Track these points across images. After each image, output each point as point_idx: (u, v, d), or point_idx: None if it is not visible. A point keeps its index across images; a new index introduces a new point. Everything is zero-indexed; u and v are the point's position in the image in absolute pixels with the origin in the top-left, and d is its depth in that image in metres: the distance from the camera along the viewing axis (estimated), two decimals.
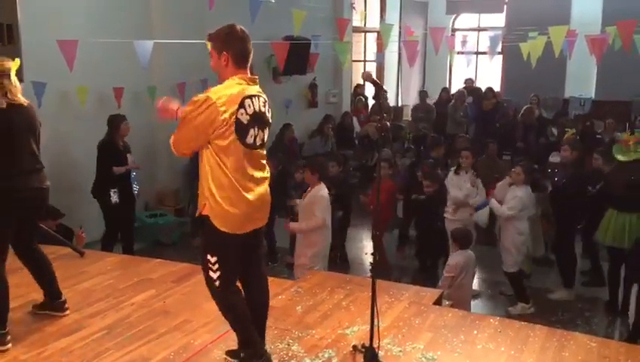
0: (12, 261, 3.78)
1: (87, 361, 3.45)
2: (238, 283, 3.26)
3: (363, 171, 10.66)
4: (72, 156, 7.37)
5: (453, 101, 11.88)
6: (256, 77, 3.16)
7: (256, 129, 3.07)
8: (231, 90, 3.00)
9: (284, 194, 7.35)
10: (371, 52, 13.90)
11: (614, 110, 11.40)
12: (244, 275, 3.30)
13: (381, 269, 6.56)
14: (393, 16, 13.70)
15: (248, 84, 3.08)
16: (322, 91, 12.09)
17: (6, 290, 3.59)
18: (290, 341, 3.69)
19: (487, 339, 3.77)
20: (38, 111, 6.32)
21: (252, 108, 3.04)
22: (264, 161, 3.22)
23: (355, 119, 12.37)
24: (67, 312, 3.99)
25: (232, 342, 3.64)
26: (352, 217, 7.56)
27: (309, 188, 5.60)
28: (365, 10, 13.53)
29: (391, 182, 7.08)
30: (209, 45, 3.14)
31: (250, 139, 3.04)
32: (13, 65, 3.66)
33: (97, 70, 7.19)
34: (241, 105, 2.99)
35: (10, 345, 3.56)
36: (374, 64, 13.84)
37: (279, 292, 4.48)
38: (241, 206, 3.04)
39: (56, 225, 5.85)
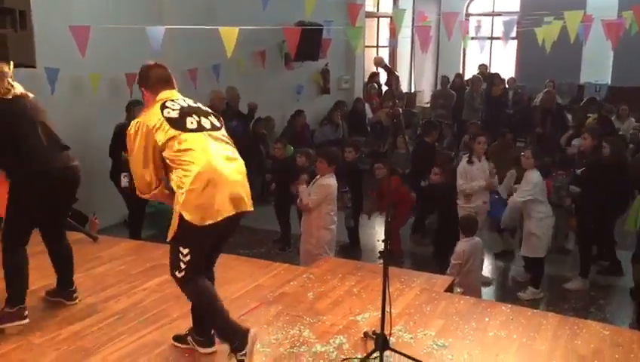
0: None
1: (100, 345, 3.48)
2: None
3: (375, 158, 10.61)
4: (85, 142, 7.38)
5: (469, 87, 11.76)
6: (173, 90, 3.26)
7: (194, 116, 3.13)
8: (149, 112, 3.13)
9: (295, 180, 7.37)
10: (384, 37, 13.80)
11: (631, 96, 11.24)
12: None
13: (393, 256, 6.61)
14: (406, 1, 13.57)
15: (167, 96, 3.19)
16: (334, 77, 12.03)
17: (26, 268, 3.64)
18: (302, 327, 3.70)
19: (499, 327, 3.76)
20: (51, 98, 6.40)
21: (177, 104, 3.14)
22: (228, 143, 3.22)
23: (367, 105, 12.32)
24: (76, 301, 4.01)
25: (248, 324, 3.66)
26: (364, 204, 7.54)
27: (318, 176, 5.61)
28: None
29: (396, 178, 7.03)
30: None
31: (191, 125, 3.09)
32: (8, 68, 3.74)
33: (109, 56, 7.20)
34: (163, 107, 3.10)
35: (27, 319, 3.62)
36: (387, 50, 13.75)
37: (291, 278, 4.49)
38: (209, 195, 2.99)
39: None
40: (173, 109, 3.10)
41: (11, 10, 4.40)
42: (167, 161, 3.06)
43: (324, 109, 11.42)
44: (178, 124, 3.06)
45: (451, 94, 12.18)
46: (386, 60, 11.20)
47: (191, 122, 3.10)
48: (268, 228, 7.80)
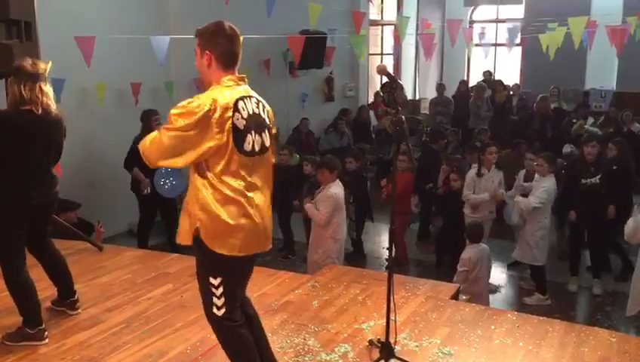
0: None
1: (105, 355, 3.48)
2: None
3: (380, 165, 10.62)
4: (91, 151, 7.45)
5: (473, 96, 11.72)
6: (244, 75, 2.79)
7: (253, 134, 2.70)
8: (222, 94, 2.64)
9: (300, 189, 7.37)
10: (388, 45, 13.82)
11: (636, 101, 11.20)
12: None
13: (398, 263, 6.59)
14: (410, 8, 13.60)
15: (238, 84, 2.73)
16: (339, 85, 12.06)
17: (32, 289, 3.61)
18: (307, 335, 3.70)
19: (505, 334, 3.74)
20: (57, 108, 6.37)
21: (246, 110, 2.67)
22: (268, 166, 2.85)
23: (372, 113, 12.33)
24: (79, 311, 3.99)
25: None
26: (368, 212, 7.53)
27: (322, 187, 5.59)
28: (382, 2, 13.45)
29: (409, 174, 7.01)
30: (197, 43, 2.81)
31: (248, 146, 2.67)
32: (47, 66, 3.60)
33: (115, 66, 7.24)
34: (235, 108, 2.63)
35: (47, 340, 3.61)
36: (391, 57, 13.76)
37: (296, 286, 4.49)
38: (242, 222, 2.66)
39: (76, 218, 5.92)
40: (243, 117, 2.64)
41: (17, 21, 4.44)
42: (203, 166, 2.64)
43: (328, 117, 11.44)
44: (239, 139, 2.63)
45: (449, 101, 12.18)
46: (390, 68, 11.21)
47: (248, 142, 2.67)
48: (273, 237, 7.78)
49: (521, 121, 10.89)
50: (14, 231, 3.57)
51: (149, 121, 6.57)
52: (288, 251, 7.47)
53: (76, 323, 3.87)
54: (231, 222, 2.63)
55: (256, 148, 2.72)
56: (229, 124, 2.60)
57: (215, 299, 2.71)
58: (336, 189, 5.48)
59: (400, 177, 6.71)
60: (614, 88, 12.96)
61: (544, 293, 6.08)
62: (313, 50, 9.22)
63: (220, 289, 2.70)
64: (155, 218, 7.06)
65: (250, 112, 2.70)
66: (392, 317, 3.28)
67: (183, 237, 2.73)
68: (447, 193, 6.80)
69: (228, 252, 2.66)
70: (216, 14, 7.88)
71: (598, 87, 12.87)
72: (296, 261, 7.28)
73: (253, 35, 6.96)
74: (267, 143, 2.79)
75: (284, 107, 10.35)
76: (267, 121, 2.82)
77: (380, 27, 13.68)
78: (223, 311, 2.72)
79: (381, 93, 12.53)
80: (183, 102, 2.61)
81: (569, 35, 7.81)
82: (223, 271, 2.71)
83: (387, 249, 3.46)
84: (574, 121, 10.12)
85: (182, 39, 7.06)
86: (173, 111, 2.60)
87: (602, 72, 13.03)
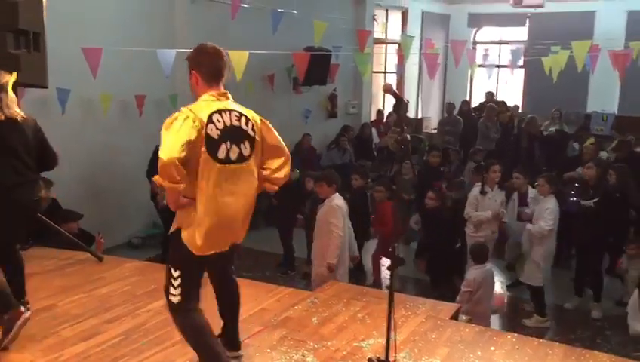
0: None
1: None
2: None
3: (380, 183, 10.62)
4: (94, 161, 7.47)
5: (483, 117, 11.71)
6: (227, 92, 3.09)
7: (229, 143, 2.96)
8: (199, 107, 2.97)
9: (301, 204, 7.38)
10: (392, 63, 13.91)
11: (637, 125, 11.24)
12: (216, 283, 3.35)
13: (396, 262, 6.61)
14: (415, 28, 13.71)
15: (218, 99, 3.03)
16: (342, 102, 12.12)
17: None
18: (306, 352, 3.68)
19: (505, 356, 3.72)
20: (61, 118, 6.40)
21: (222, 122, 2.95)
22: (248, 176, 3.09)
23: (374, 130, 12.37)
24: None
25: (252, 348, 3.66)
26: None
27: (323, 201, 5.57)
28: (386, 22, 13.56)
29: (389, 203, 6.98)
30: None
31: (221, 154, 2.94)
32: (10, 78, 3.73)
33: (120, 78, 7.29)
34: (210, 120, 2.92)
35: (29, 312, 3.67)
36: (395, 76, 13.85)
37: (295, 302, 4.47)
38: (210, 226, 2.95)
39: (77, 228, 5.92)
40: (217, 128, 2.94)
41: (26, 31, 4.46)
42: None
43: (331, 133, 11.48)
44: (212, 147, 2.92)
45: (458, 120, 12.22)
46: (394, 87, 11.24)
47: (222, 150, 2.95)
48: (272, 252, 7.79)
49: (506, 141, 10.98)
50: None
51: None
52: (287, 266, 7.47)
53: (75, 334, 3.85)
54: (197, 221, 2.94)
55: (232, 157, 3.00)
56: (202, 132, 2.89)
57: (172, 289, 3.04)
58: (339, 201, 5.48)
59: (380, 207, 6.87)
60: (616, 112, 13.02)
61: (543, 315, 6.07)
62: (317, 66, 9.28)
63: (178, 281, 3.02)
64: None
65: (228, 124, 2.99)
66: (391, 335, 3.27)
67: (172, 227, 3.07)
68: (434, 211, 6.80)
69: (190, 246, 2.96)
70: (222, 29, 7.97)
71: (599, 111, 12.93)
72: (295, 276, 7.26)
73: (259, 51, 7.02)
74: (246, 153, 3.06)
75: (287, 122, 10.36)
76: (250, 133, 3.09)
77: (383, 46, 13.79)
78: (177, 298, 3.04)
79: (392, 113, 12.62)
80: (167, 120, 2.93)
81: (572, 58, 7.86)
82: (183, 265, 3.02)
83: (388, 268, 3.46)
84: (574, 145, 10.15)
85: (188, 53, 7.12)
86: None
87: (604, 96, 13.10)
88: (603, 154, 9.43)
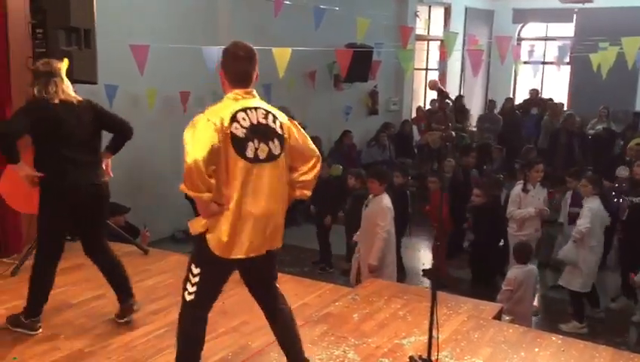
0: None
1: (148, 357, 3.54)
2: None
3: (421, 181, 10.55)
4: (139, 157, 7.61)
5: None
6: (253, 90, 2.99)
7: (256, 142, 2.86)
8: (221, 107, 2.90)
9: (342, 201, 7.38)
10: (433, 60, 13.78)
11: None
12: (263, 306, 3.20)
13: (439, 280, 6.53)
14: (458, 24, 13.54)
15: (243, 98, 2.94)
16: (383, 99, 12.06)
17: (47, 284, 3.75)
18: (347, 348, 3.69)
19: (549, 358, 3.66)
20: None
21: (248, 120, 2.87)
22: (279, 175, 2.97)
23: (415, 127, 12.29)
24: (126, 319, 3.96)
25: None
26: (410, 226, 7.48)
27: (370, 197, 5.55)
28: (429, 18, 13.43)
29: (444, 194, 6.95)
30: None
31: (250, 153, 2.84)
32: (62, 65, 3.78)
33: (165, 74, 7.41)
34: (234, 119, 2.84)
35: (39, 331, 3.76)
36: (437, 72, 13.72)
37: (336, 298, 4.49)
38: (239, 226, 2.85)
39: (124, 221, 6.06)
40: (243, 126, 2.85)
41: (77, 29, 4.60)
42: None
43: (372, 130, 11.45)
44: (239, 146, 2.83)
45: (497, 118, 12.05)
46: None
47: (251, 149, 2.85)
48: (312, 248, 7.82)
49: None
50: (54, 227, 3.74)
51: None
52: (326, 264, 7.47)
53: (121, 324, 3.95)
54: (225, 221, 2.84)
55: (261, 156, 2.89)
56: (227, 132, 2.80)
57: (188, 285, 2.98)
58: (389, 203, 5.43)
59: (434, 196, 6.78)
60: None
61: (581, 321, 5.91)
62: (359, 63, 9.25)
63: (196, 279, 2.94)
64: None
65: (255, 122, 2.89)
66: (434, 334, 3.25)
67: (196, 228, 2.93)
68: (480, 209, 6.71)
69: (215, 247, 2.86)
70: (265, 25, 8.00)
71: None
72: (334, 273, 7.27)
73: (301, 48, 7.05)
74: (276, 152, 2.94)
75: (327, 119, 10.41)
76: (279, 131, 2.98)
77: (425, 42, 13.66)
78: (191, 297, 2.97)
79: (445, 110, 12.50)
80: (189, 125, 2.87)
81: (621, 54, 7.64)
82: (204, 265, 2.94)
83: (425, 264, 3.44)
84: (625, 145, 9.89)
85: None
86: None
87: None
88: None
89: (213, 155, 2.74)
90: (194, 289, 2.96)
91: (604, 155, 9.85)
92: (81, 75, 4.56)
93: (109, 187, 3.92)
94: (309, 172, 3.09)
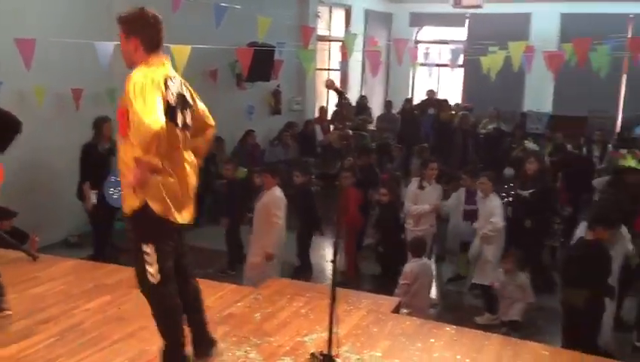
0: None
1: None
2: None
3: (325, 180, 10.68)
4: (28, 157, 7.17)
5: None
6: (167, 56, 3.02)
7: (180, 110, 2.95)
8: (153, 71, 2.85)
9: (248, 200, 7.31)
10: (336, 61, 13.99)
11: (570, 124, 11.72)
12: (181, 279, 3.17)
13: (347, 277, 6.67)
14: (358, 26, 13.82)
15: (164, 64, 2.94)
16: (286, 98, 12.09)
17: None
18: (248, 348, 3.66)
19: (444, 347, 3.81)
20: None
21: (175, 87, 2.93)
22: (189, 147, 3.07)
23: (318, 127, 12.41)
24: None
25: (187, 348, 3.60)
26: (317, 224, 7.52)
27: (264, 191, 5.73)
28: (330, 19, 13.62)
29: (354, 189, 7.09)
30: (119, 29, 2.99)
31: (180, 121, 2.94)
32: None
33: (55, 70, 7.03)
34: (166, 85, 2.85)
35: None
36: (338, 73, 13.93)
37: (238, 299, 4.45)
38: (182, 194, 2.94)
39: (10, 226, 5.69)
40: (172, 93, 2.88)
41: None
42: None
43: (275, 130, 11.44)
44: (172, 114, 2.87)
45: (396, 118, 12.45)
46: (337, 83, 11.28)
47: (180, 117, 2.93)
48: (216, 248, 7.69)
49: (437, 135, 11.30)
50: None
51: (102, 127, 6.53)
52: (234, 264, 7.34)
53: (7, 335, 3.71)
54: (167, 189, 2.87)
55: (184, 124, 2.98)
56: (165, 99, 2.80)
57: (149, 268, 2.90)
58: (281, 193, 5.69)
59: (346, 192, 6.82)
60: (550, 111, 13.53)
61: (494, 313, 6.17)
62: (261, 62, 9.22)
63: (154, 257, 2.89)
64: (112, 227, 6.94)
65: (179, 90, 2.95)
66: (334, 329, 3.29)
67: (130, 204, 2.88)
68: (383, 207, 6.89)
69: (165, 213, 2.87)
70: (163, 21, 7.75)
71: (535, 110, 13.40)
72: (239, 274, 7.18)
73: (201, 45, 6.91)
74: (189, 121, 3.02)
75: (230, 119, 10.26)
76: (190, 101, 3.06)
77: (327, 43, 13.84)
78: (157, 278, 2.91)
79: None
80: (133, 84, 2.74)
81: (508, 58, 8.10)
82: (156, 238, 2.90)
83: (332, 262, 3.49)
84: (513, 145, 10.52)
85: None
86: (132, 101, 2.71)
87: (539, 95, 13.60)
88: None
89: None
90: (156, 267, 2.90)
91: (494, 153, 10.42)
92: None
93: None
94: (205, 141, 3.23)
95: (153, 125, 2.62)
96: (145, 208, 2.84)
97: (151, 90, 2.72)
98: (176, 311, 3.04)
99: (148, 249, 2.89)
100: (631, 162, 6.76)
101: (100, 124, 6.56)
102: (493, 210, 6.10)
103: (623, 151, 7.64)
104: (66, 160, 7.09)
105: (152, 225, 2.88)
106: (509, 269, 5.38)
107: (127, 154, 2.83)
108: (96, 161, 6.53)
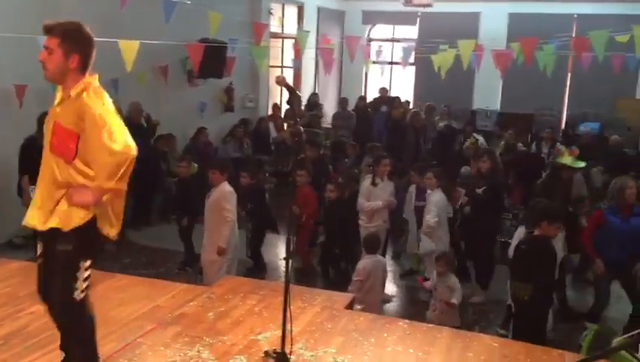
0: None
1: None
2: None
3: (279, 177, 10.66)
4: None
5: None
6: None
7: None
8: (102, 93, 2.85)
9: (203, 197, 7.22)
10: (289, 58, 13.96)
11: (517, 122, 12.02)
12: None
13: (305, 273, 6.68)
14: (311, 23, 13.83)
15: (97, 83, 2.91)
16: (239, 96, 11.99)
17: None
18: (201, 348, 3.62)
19: (396, 342, 3.86)
20: None
21: None
22: None
23: (271, 124, 12.36)
24: None
25: (144, 347, 3.54)
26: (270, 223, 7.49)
27: (214, 188, 5.75)
28: (283, 16, 13.58)
29: (309, 187, 7.09)
30: (53, 40, 2.80)
31: None
32: None
33: None
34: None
35: None
36: (292, 70, 13.91)
37: (191, 298, 4.39)
38: (121, 209, 2.96)
39: None
40: None
41: None
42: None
43: (227, 128, 11.32)
44: None
45: (351, 115, 12.52)
46: (291, 81, 11.33)
47: None
48: (168, 248, 7.58)
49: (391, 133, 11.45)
50: None
51: (40, 123, 6.28)
52: (187, 263, 7.23)
53: None
54: (113, 207, 2.90)
55: None
56: None
57: (79, 284, 2.81)
58: (230, 188, 5.76)
59: (301, 190, 6.84)
60: (499, 109, 13.85)
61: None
62: (213, 59, 9.11)
63: (87, 273, 2.83)
64: None
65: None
66: (287, 327, 3.29)
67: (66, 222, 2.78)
68: (334, 203, 6.93)
69: (110, 233, 2.91)
70: (111, 16, 7.61)
71: (484, 107, 13.69)
72: (193, 273, 7.09)
73: (150, 41, 6.79)
74: None
75: (181, 116, 10.14)
76: None
77: (280, 40, 13.79)
78: (83, 294, 2.85)
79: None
80: (96, 112, 2.69)
81: (458, 56, 8.25)
82: (95, 256, 2.90)
83: (284, 259, 3.49)
84: (463, 141, 10.70)
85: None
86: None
87: (488, 93, 13.91)
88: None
89: None
90: (85, 284, 2.83)
91: (447, 150, 10.58)
92: None
93: None
94: None
95: (132, 151, 2.66)
96: (91, 225, 2.79)
97: (114, 116, 2.73)
98: (94, 327, 2.99)
99: (86, 265, 2.84)
100: (567, 159, 6.94)
101: (41, 121, 6.36)
102: (430, 205, 6.26)
103: (562, 147, 7.87)
104: (7, 158, 6.87)
105: (93, 242, 2.86)
106: (441, 272, 5.47)
107: (64, 175, 2.82)
108: (37, 156, 6.32)
